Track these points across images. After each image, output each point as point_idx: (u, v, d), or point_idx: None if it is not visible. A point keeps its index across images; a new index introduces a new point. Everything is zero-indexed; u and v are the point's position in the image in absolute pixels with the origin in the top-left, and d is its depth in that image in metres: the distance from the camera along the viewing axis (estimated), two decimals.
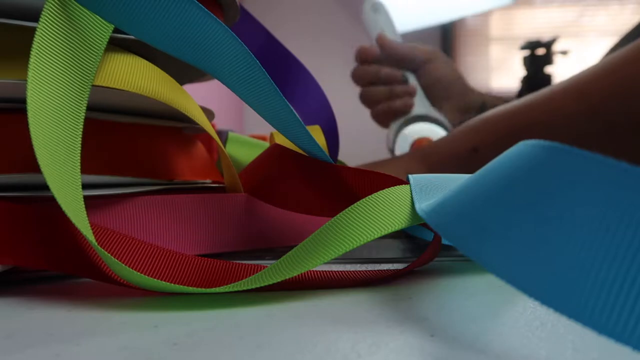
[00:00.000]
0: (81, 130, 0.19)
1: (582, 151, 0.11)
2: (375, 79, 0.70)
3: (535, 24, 2.52)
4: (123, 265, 0.17)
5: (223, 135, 0.41)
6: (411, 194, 0.20)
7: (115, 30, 0.22)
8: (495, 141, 0.45)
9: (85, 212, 0.18)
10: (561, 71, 0.88)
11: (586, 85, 0.42)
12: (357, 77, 0.72)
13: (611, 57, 0.41)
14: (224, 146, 0.40)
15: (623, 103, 0.39)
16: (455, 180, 0.21)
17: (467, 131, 0.48)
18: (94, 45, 0.20)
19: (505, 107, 0.47)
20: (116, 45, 0.23)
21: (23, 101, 0.20)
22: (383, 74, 0.69)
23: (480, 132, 0.47)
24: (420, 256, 0.22)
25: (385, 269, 0.23)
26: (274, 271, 0.18)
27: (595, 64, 0.43)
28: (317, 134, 0.34)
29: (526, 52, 1.10)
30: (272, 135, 0.34)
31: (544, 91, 0.45)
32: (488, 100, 0.74)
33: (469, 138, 0.47)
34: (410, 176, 0.21)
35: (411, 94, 0.68)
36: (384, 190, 0.20)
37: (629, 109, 0.39)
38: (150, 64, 0.23)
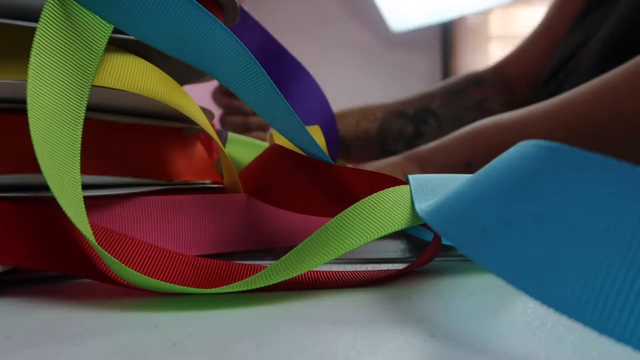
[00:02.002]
0: (81, 130, 0.19)
1: (583, 151, 0.11)
2: (230, 109, 0.69)
3: (534, 22, 2.52)
4: (123, 265, 0.17)
5: (223, 135, 0.41)
6: (411, 194, 0.20)
7: (115, 31, 0.22)
8: (488, 157, 0.45)
9: (85, 212, 0.18)
10: None
11: (570, 114, 0.42)
12: (216, 103, 0.71)
13: (595, 84, 0.42)
14: (224, 146, 0.40)
15: (603, 133, 0.40)
16: (455, 181, 0.21)
17: (461, 142, 0.48)
18: (94, 46, 0.20)
19: (501, 120, 0.47)
20: (116, 45, 0.23)
21: (23, 101, 0.20)
22: (235, 105, 0.68)
23: (473, 146, 0.47)
24: (420, 256, 0.22)
25: (385, 269, 0.23)
26: (273, 271, 0.18)
27: (583, 87, 0.43)
28: (316, 134, 0.34)
29: None
30: (271, 135, 0.34)
31: (537, 107, 0.45)
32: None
33: (463, 151, 0.48)
34: (410, 176, 0.21)
35: (264, 127, 0.68)
36: (384, 190, 0.20)
37: (609, 139, 0.40)
38: (150, 64, 0.23)
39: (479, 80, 0.74)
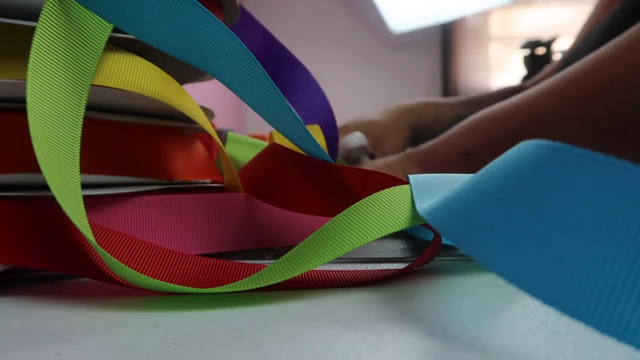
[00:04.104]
0: (80, 129, 0.19)
1: (585, 151, 0.11)
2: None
3: (535, 23, 2.52)
4: (123, 265, 0.17)
5: (223, 135, 0.41)
6: (411, 193, 0.20)
7: (115, 30, 0.22)
8: (486, 145, 0.45)
9: (84, 211, 0.18)
10: None
11: (569, 86, 0.41)
12: None
13: (591, 56, 0.41)
14: (224, 146, 0.40)
15: (604, 105, 0.39)
16: (456, 180, 0.21)
17: (461, 133, 0.48)
18: (93, 45, 0.20)
19: (498, 108, 0.46)
20: (116, 44, 0.23)
21: (23, 101, 0.20)
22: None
23: (472, 135, 0.47)
24: (420, 256, 0.22)
25: (385, 268, 0.23)
26: (273, 271, 0.18)
27: (578, 62, 0.42)
28: (316, 133, 0.34)
29: (526, 51, 1.11)
30: (271, 134, 0.34)
31: (532, 91, 0.45)
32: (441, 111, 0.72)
33: (462, 141, 0.47)
34: (410, 176, 0.21)
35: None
36: (384, 190, 0.20)
37: (611, 111, 0.39)
38: (150, 63, 0.23)
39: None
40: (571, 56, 0.64)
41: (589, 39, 0.62)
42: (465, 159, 0.46)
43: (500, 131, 0.45)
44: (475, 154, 0.45)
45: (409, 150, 0.54)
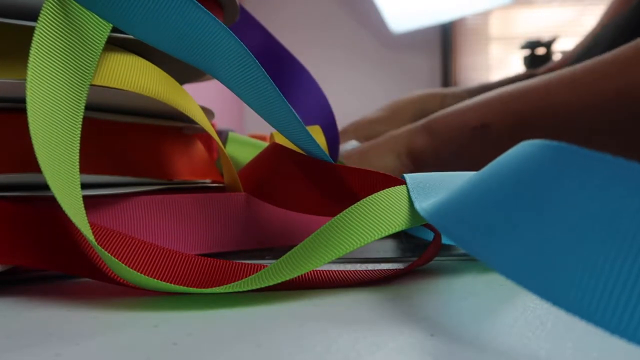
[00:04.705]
0: (80, 129, 0.19)
1: (590, 151, 0.11)
2: None
3: (535, 23, 2.52)
4: (123, 265, 0.17)
5: (223, 135, 0.41)
6: (408, 193, 0.20)
7: (115, 30, 0.22)
8: (506, 120, 0.42)
9: (84, 211, 0.18)
10: None
11: (597, 81, 0.39)
12: None
13: (619, 54, 0.40)
14: (224, 146, 0.40)
15: (621, 103, 0.39)
16: (453, 179, 0.21)
17: (477, 106, 0.44)
18: (93, 44, 0.20)
19: (516, 87, 0.44)
20: (116, 44, 0.23)
21: (22, 101, 0.20)
22: None
23: (491, 109, 0.43)
24: (420, 256, 0.22)
25: (385, 268, 0.23)
26: (274, 271, 0.18)
27: (605, 57, 0.41)
28: (317, 134, 0.34)
29: (526, 52, 1.10)
30: (272, 135, 0.34)
31: (563, 72, 0.42)
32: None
33: (480, 113, 0.44)
34: (406, 175, 0.21)
35: None
36: (384, 190, 0.20)
37: (628, 110, 0.38)
38: (150, 63, 0.23)
39: None
40: (585, 51, 0.63)
41: (606, 31, 0.61)
42: (481, 131, 0.43)
43: (523, 106, 0.42)
44: (493, 126, 0.43)
45: (412, 124, 0.50)
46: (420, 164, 0.44)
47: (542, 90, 0.42)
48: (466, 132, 0.43)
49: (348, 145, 0.55)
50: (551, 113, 0.41)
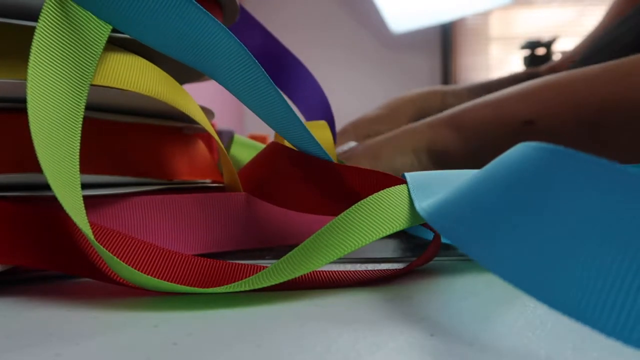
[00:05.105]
0: (80, 128, 0.19)
1: (587, 155, 0.11)
2: None
3: (535, 23, 2.52)
4: (123, 264, 0.17)
5: (223, 135, 0.41)
6: (409, 192, 0.20)
7: (115, 29, 0.22)
8: (553, 112, 0.38)
9: (84, 210, 0.18)
10: None
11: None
12: None
13: None
14: (229, 147, 0.40)
15: None
16: (454, 177, 0.21)
17: (518, 99, 0.40)
18: (93, 44, 0.20)
19: (563, 75, 0.39)
20: (116, 44, 0.23)
21: (22, 100, 0.20)
22: None
23: (536, 102, 0.39)
24: (420, 256, 0.22)
25: (385, 268, 0.23)
26: (274, 272, 0.18)
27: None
28: (323, 129, 0.34)
29: (526, 52, 1.10)
30: (277, 134, 0.34)
31: (623, 62, 0.37)
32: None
33: (521, 107, 0.39)
34: (406, 174, 0.21)
35: None
36: (384, 190, 0.20)
37: None
38: (150, 63, 0.23)
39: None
40: (590, 51, 0.61)
41: (612, 32, 0.60)
42: (525, 128, 0.38)
43: (577, 98, 0.37)
44: (540, 122, 0.38)
45: (434, 117, 0.45)
46: (443, 161, 0.41)
47: (598, 81, 0.37)
48: (506, 129, 0.39)
49: (345, 147, 0.55)
50: (608, 105, 0.36)
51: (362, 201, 0.19)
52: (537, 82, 0.40)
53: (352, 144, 0.56)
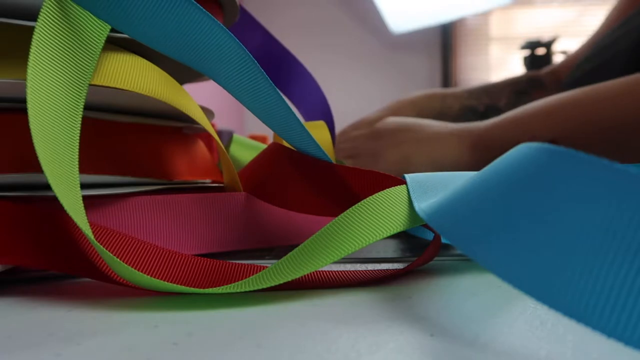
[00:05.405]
0: (79, 127, 0.19)
1: (587, 155, 0.11)
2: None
3: (535, 23, 2.52)
4: (123, 263, 0.17)
5: (223, 135, 0.40)
6: (409, 194, 0.20)
7: (114, 29, 0.22)
8: (579, 131, 0.38)
9: (84, 210, 0.18)
10: None
11: None
12: None
13: None
14: (228, 147, 0.40)
15: None
16: (453, 179, 0.21)
17: (538, 117, 0.40)
18: (92, 44, 0.20)
19: (587, 93, 0.40)
20: (115, 44, 0.23)
21: (22, 100, 0.20)
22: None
23: (557, 120, 0.39)
24: (420, 256, 0.22)
25: (385, 268, 0.23)
26: (274, 273, 0.18)
27: None
28: (322, 129, 0.34)
29: (526, 52, 1.10)
30: (275, 135, 0.34)
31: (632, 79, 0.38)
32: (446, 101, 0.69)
33: (543, 126, 0.39)
34: (406, 176, 0.21)
35: None
36: (384, 191, 0.20)
37: None
38: (150, 63, 0.23)
39: (540, 82, 0.70)
40: (594, 51, 0.61)
41: (617, 33, 0.60)
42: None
43: (594, 120, 0.38)
44: (562, 141, 0.39)
45: (454, 126, 0.45)
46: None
47: (617, 97, 0.38)
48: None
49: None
50: (629, 121, 0.36)
51: (361, 202, 0.19)
52: (561, 99, 0.41)
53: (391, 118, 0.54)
